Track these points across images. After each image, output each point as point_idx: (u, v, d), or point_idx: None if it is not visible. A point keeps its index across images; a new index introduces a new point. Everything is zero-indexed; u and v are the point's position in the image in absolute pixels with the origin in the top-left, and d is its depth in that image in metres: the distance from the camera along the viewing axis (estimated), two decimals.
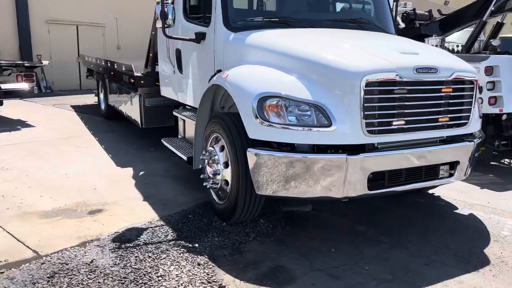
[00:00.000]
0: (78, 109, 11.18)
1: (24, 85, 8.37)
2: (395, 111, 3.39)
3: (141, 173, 5.68)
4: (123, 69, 6.94)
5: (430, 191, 5.06)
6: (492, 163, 6.51)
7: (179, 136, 5.59)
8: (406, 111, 3.42)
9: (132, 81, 6.47)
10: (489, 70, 5.71)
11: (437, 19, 7.59)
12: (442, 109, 3.60)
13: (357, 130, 3.28)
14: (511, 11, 6.55)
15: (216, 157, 3.96)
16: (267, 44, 3.82)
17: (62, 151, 6.74)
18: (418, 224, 4.18)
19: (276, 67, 3.61)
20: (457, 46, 7.92)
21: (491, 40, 6.58)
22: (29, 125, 8.69)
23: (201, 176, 4.22)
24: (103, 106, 9.78)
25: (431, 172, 3.72)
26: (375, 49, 3.70)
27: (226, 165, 3.85)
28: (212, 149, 4.03)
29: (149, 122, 6.70)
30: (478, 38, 7.06)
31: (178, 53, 5.09)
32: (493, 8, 6.47)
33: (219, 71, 4.10)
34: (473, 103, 3.80)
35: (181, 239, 3.71)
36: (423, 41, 7.40)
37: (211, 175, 4.06)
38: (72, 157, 6.41)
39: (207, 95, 4.24)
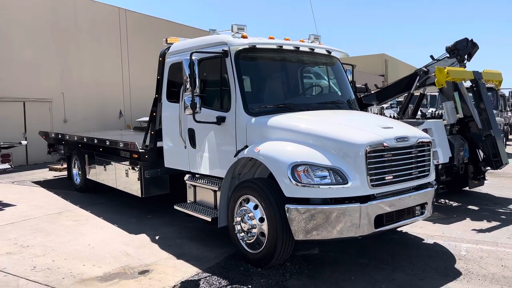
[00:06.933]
0: (44, 184, 11.31)
1: (6, 165, 8.65)
2: (386, 169, 4.74)
3: (157, 237, 6.39)
4: (121, 145, 7.69)
5: (399, 229, 6.43)
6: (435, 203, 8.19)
7: (188, 201, 6.43)
8: (393, 168, 4.80)
9: (136, 156, 7.25)
10: (424, 131, 7.47)
11: (374, 91, 9.50)
12: (414, 165, 5.04)
13: (364, 185, 4.55)
14: (431, 85, 8.60)
15: (251, 214, 4.95)
16: (285, 125, 5.04)
17: (65, 226, 7.16)
18: (402, 253, 5.46)
19: (296, 142, 4.83)
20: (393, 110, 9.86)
21: (422, 109, 8.52)
22: (8, 204, 8.82)
23: (235, 231, 5.15)
24: (78, 181, 10.18)
25: (411, 212, 5.09)
26: (365, 125, 5.10)
27: (261, 220, 4.86)
28: (246, 208, 5.02)
29: (148, 191, 7.45)
30: (409, 106, 9.03)
31: (192, 132, 6.10)
32: (418, 83, 8.48)
33: (246, 146, 5.20)
34: (431, 159, 5.31)
35: (234, 284, 4.57)
36: (366, 109, 9.24)
37: (245, 230, 5.03)
38: (80, 230, 6.89)
39: (233, 165, 5.31)
